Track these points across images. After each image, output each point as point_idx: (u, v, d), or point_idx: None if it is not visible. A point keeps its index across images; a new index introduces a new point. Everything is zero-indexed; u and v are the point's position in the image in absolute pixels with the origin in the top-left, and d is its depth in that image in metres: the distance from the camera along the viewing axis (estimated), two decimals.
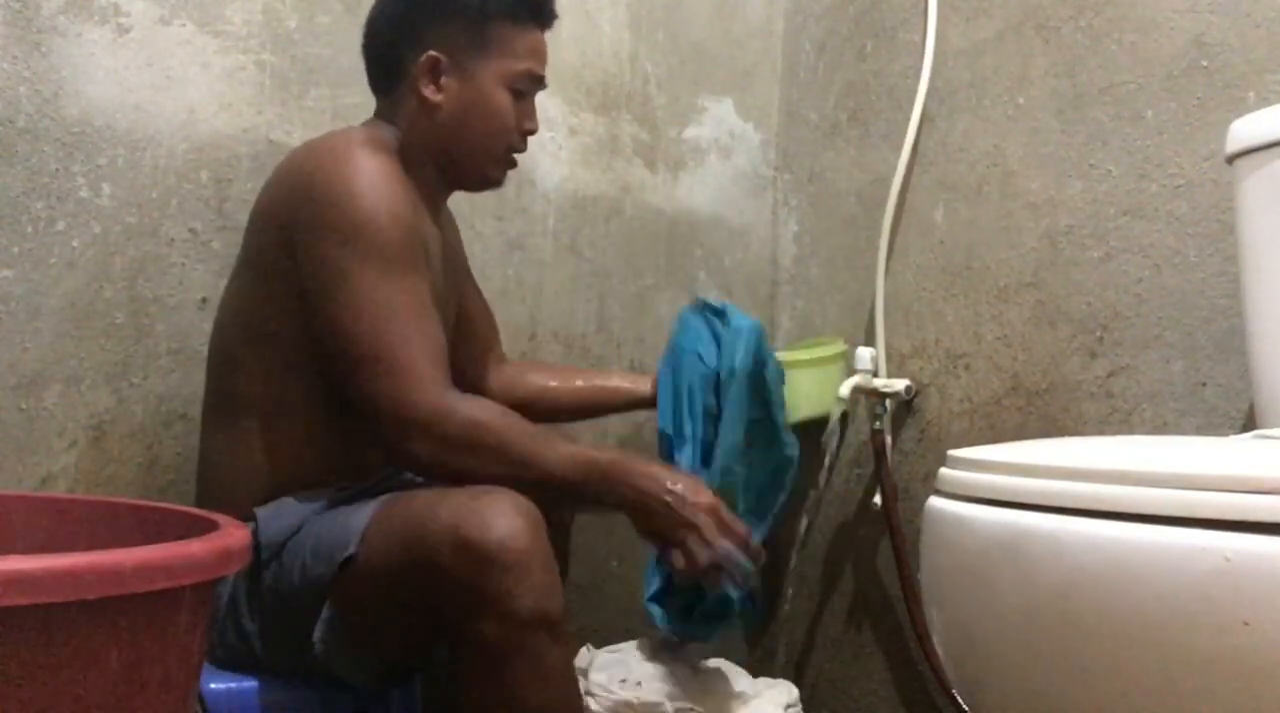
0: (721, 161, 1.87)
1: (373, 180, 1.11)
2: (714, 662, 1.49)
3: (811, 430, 1.63)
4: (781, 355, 1.72)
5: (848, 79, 1.79)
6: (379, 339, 1.07)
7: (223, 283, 1.38)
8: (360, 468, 1.18)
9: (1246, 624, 0.67)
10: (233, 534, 0.82)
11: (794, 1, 1.92)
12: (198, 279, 1.41)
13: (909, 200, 1.65)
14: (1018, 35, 1.50)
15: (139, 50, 1.37)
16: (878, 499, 1.58)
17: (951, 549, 0.87)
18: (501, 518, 0.95)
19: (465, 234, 1.44)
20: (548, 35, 1.29)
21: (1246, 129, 1.12)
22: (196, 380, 1.38)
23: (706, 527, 1.07)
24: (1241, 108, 1.23)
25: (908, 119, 1.63)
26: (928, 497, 0.91)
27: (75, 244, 1.33)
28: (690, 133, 1.84)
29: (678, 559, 1.08)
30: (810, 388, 1.63)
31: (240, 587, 1.12)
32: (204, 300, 1.40)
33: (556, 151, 1.70)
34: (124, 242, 1.36)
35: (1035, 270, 1.46)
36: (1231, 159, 1.13)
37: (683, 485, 1.09)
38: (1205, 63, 1.28)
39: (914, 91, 1.62)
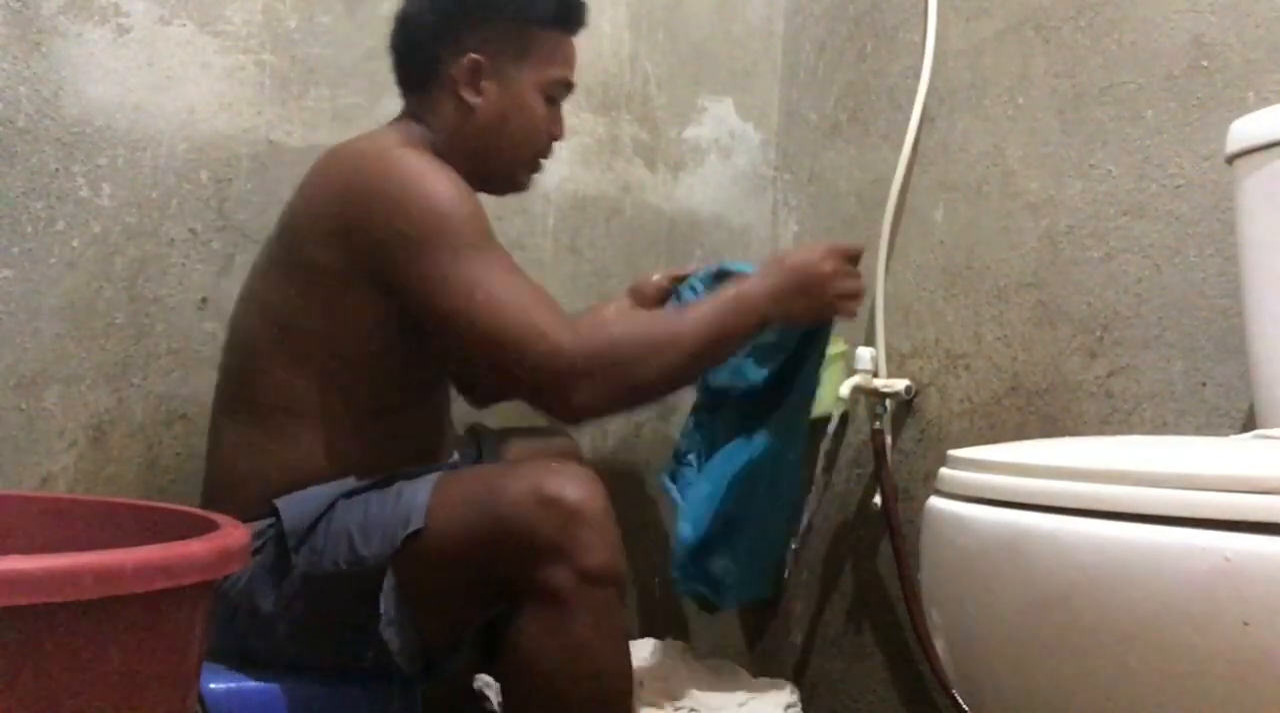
0: (721, 162, 1.87)
1: (432, 174, 1.13)
2: (714, 662, 1.49)
3: (811, 431, 1.63)
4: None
5: (848, 79, 1.79)
6: (502, 317, 1.09)
7: (223, 283, 1.39)
8: (376, 470, 1.17)
9: (1246, 624, 0.67)
10: (232, 534, 0.82)
11: (794, 1, 1.92)
12: (198, 279, 1.41)
13: (909, 200, 1.65)
14: (1018, 35, 1.50)
15: (139, 50, 1.37)
16: (878, 499, 1.58)
17: (951, 549, 0.87)
18: (579, 481, 1.04)
19: None
20: None
21: (1246, 129, 1.12)
22: (196, 380, 1.38)
23: (839, 281, 1.25)
24: (1241, 108, 1.23)
25: (908, 119, 1.63)
26: (928, 497, 0.91)
27: (75, 244, 1.33)
28: (690, 133, 1.84)
29: (846, 316, 1.29)
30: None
31: (261, 580, 1.12)
32: (204, 300, 1.41)
33: (556, 151, 1.69)
34: (124, 242, 1.36)
35: (1035, 270, 1.46)
36: (1231, 159, 1.13)
37: (792, 265, 1.23)
38: (1205, 63, 1.28)
39: (914, 91, 1.62)
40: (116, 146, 1.35)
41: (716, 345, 1.18)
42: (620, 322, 1.18)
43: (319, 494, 1.12)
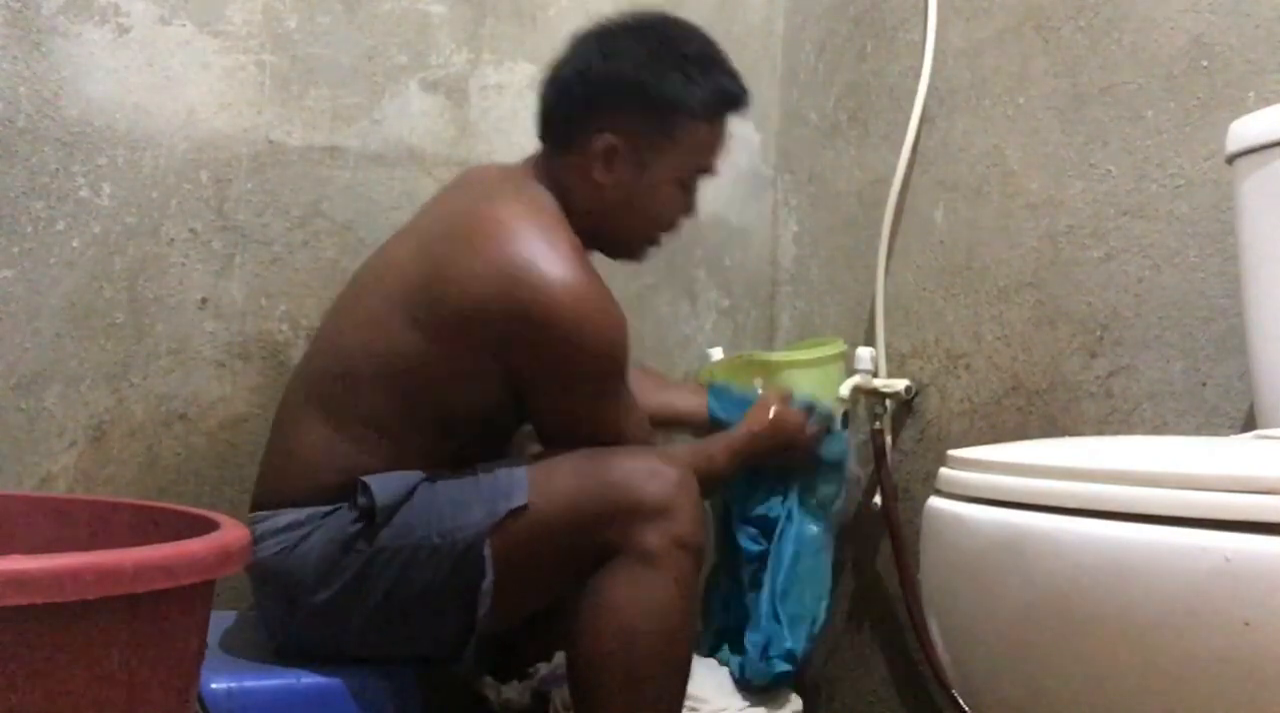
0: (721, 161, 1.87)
1: (598, 308, 1.14)
2: (712, 661, 1.48)
3: None
4: (781, 355, 1.72)
5: (848, 79, 1.79)
6: (606, 463, 1.16)
7: (223, 283, 1.39)
8: None
9: (1246, 624, 0.67)
10: (232, 534, 0.82)
11: (794, 2, 1.92)
12: (198, 279, 1.41)
13: (909, 200, 1.65)
14: (1018, 35, 1.50)
15: (139, 50, 1.37)
16: (878, 499, 1.58)
17: (951, 549, 0.87)
18: (679, 466, 1.16)
19: None
20: (548, 35, 1.30)
21: (1246, 129, 1.12)
22: (196, 380, 1.38)
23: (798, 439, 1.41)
24: (1241, 108, 1.23)
25: (908, 119, 1.63)
26: (928, 497, 0.91)
27: (75, 244, 1.33)
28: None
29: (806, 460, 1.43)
30: (810, 388, 1.62)
31: (334, 561, 1.13)
32: (204, 300, 1.41)
33: None
34: (124, 242, 1.36)
35: (1035, 270, 1.46)
36: (1231, 159, 1.13)
37: (762, 428, 1.38)
38: (1205, 63, 1.28)
39: (914, 91, 1.62)
40: (116, 146, 1.35)
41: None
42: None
43: (406, 476, 1.15)
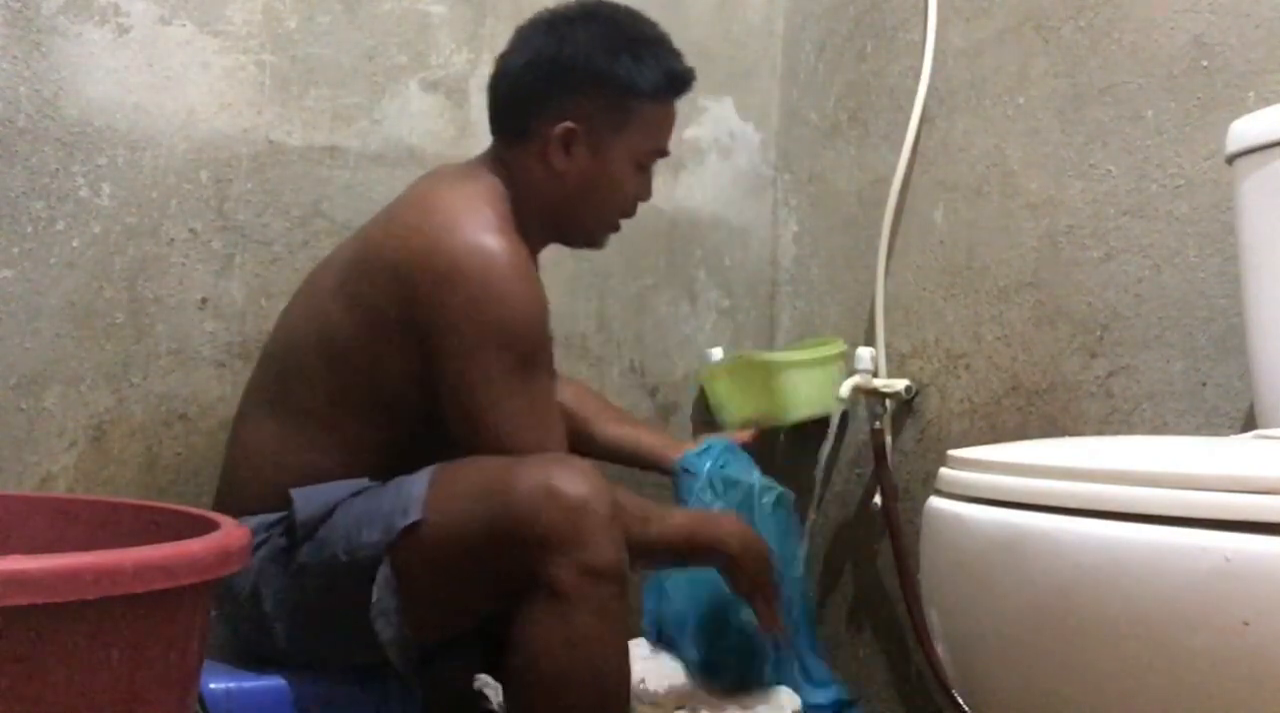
0: (721, 161, 1.87)
1: (515, 279, 1.12)
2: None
3: (811, 430, 1.63)
4: (781, 355, 1.72)
5: (848, 79, 1.79)
6: (510, 440, 1.12)
7: (223, 283, 1.39)
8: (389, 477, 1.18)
9: (1246, 624, 0.67)
10: (232, 534, 0.82)
11: (794, 1, 1.92)
12: (198, 279, 1.41)
13: (909, 200, 1.65)
14: (1018, 35, 1.50)
15: (139, 50, 1.37)
16: (878, 499, 1.58)
17: (951, 549, 0.87)
18: (585, 476, 1.05)
19: None
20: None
21: (1246, 129, 1.12)
22: (196, 380, 1.38)
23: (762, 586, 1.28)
24: (1241, 108, 1.23)
25: (908, 119, 1.63)
26: (928, 497, 0.91)
27: (75, 244, 1.33)
28: (690, 133, 1.83)
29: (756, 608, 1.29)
30: (810, 388, 1.63)
31: (267, 573, 1.13)
32: (204, 300, 1.41)
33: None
34: (124, 242, 1.36)
35: (1035, 270, 1.46)
36: (1231, 159, 1.13)
37: (744, 547, 1.25)
38: (1205, 63, 1.28)
39: (914, 91, 1.62)
40: (116, 146, 1.35)
41: (660, 558, 1.26)
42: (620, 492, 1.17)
43: (332, 489, 1.13)
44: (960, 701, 1.00)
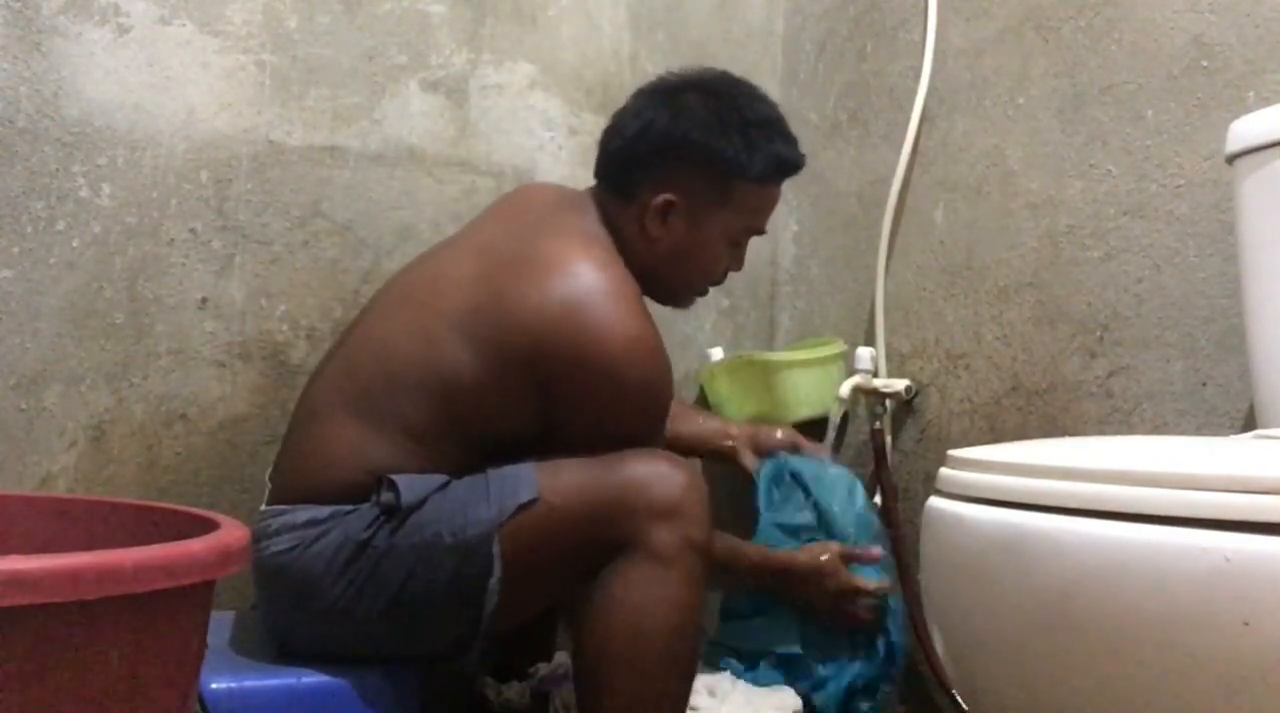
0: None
1: (650, 359, 1.17)
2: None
3: (811, 431, 1.63)
4: (781, 355, 1.72)
5: (848, 79, 1.79)
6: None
7: (223, 283, 1.39)
8: None
9: (1246, 624, 0.67)
10: (233, 534, 0.82)
11: (794, 2, 1.92)
12: (198, 279, 1.41)
13: (909, 200, 1.65)
14: (1018, 35, 1.50)
15: (139, 50, 1.37)
16: (878, 499, 1.58)
17: (951, 549, 0.87)
18: (691, 467, 1.17)
19: None
20: (549, 36, 1.30)
21: (1246, 129, 1.12)
22: (196, 380, 1.38)
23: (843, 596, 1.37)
24: (1241, 108, 1.23)
25: (908, 119, 1.63)
26: (928, 497, 0.91)
27: (75, 244, 1.33)
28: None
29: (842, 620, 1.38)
30: (810, 388, 1.63)
31: (339, 558, 1.13)
32: (204, 300, 1.41)
33: (556, 151, 1.70)
34: (124, 242, 1.36)
35: (1035, 270, 1.46)
36: (1231, 159, 1.13)
37: (815, 570, 1.36)
38: (1205, 63, 1.28)
39: (914, 91, 1.62)
40: (116, 146, 1.35)
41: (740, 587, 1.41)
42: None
43: (429, 479, 1.16)
44: (960, 701, 1.00)
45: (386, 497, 1.14)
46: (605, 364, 1.15)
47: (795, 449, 1.49)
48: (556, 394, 1.17)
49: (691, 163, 1.23)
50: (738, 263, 1.32)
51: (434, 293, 1.22)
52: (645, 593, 1.11)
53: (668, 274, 1.28)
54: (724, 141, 1.23)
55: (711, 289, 1.35)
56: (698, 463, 1.19)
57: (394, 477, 1.14)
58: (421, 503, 1.14)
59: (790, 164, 1.28)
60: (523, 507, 1.12)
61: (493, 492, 1.14)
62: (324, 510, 1.15)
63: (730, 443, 1.51)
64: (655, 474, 1.13)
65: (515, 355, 1.16)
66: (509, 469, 1.16)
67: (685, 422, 1.51)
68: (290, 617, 1.17)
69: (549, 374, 1.16)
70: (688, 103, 1.24)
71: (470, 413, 1.18)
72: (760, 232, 1.31)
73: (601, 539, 1.12)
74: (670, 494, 1.12)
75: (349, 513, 1.15)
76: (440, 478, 1.17)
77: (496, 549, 1.12)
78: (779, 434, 1.51)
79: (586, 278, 1.17)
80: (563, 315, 1.15)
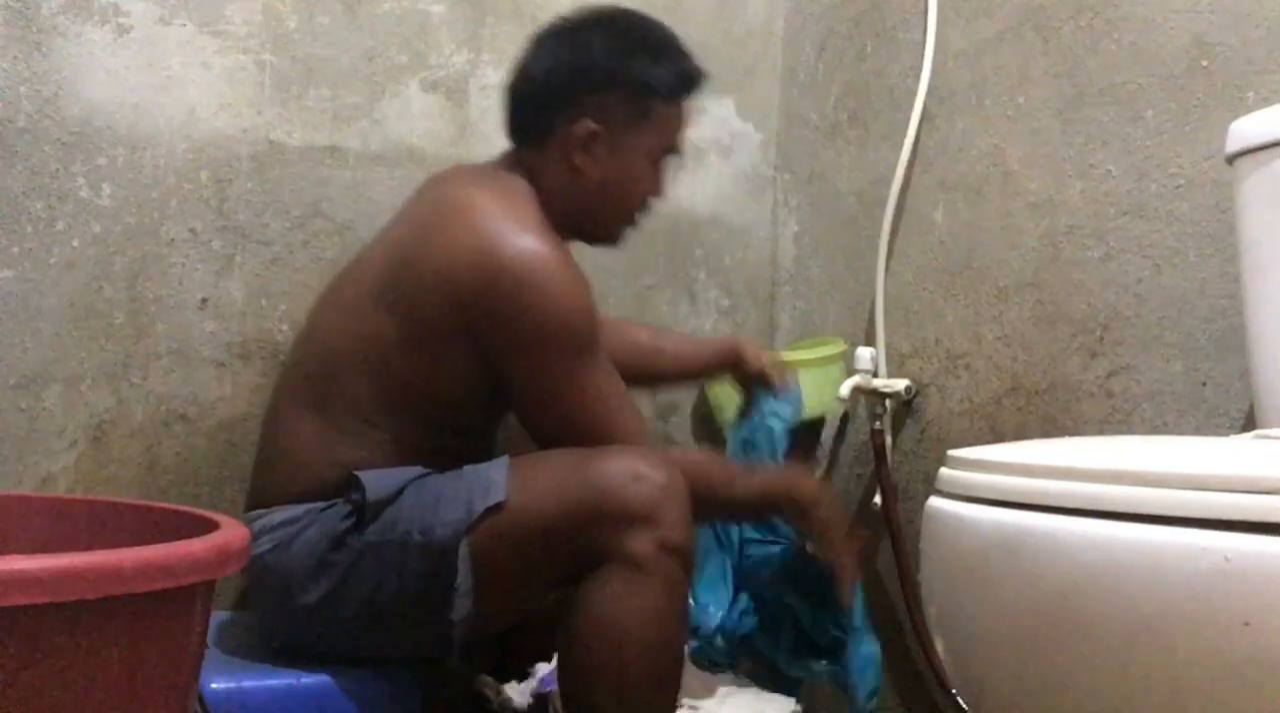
0: (721, 162, 1.87)
1: (563, 276, 1.17)
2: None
3: (811, 430, 1.63)
4: (781, 356, 1.72)
5: (848, 79, 1.79)
6: (607, 429, 1.18)
7: (223, 283, 1.39)
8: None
9: (1246, 624, 0.67)
10: (233, 534, 0.82)
11: (794, 2, 1.92)
12: (198, 279, 1.41)
13: (909, 200, 1.65)
14: (1018, 35, 1.50)
15: (139, 50, 1.37)
16: (878, 499, 1.58)
17: (951, 549, 0.87)
18: (667, 465, 1.14)
19: None
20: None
21: (1246, 129, 1.12)
22: (196, 380, 1.38)
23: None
24: (1241, 108, 1.23)
25: (908, 119, 1.63)
26: (928, 497, 0.91)
27: (75, 244, 1.33)
28: (690, 133, 1.83)
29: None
30: (810, 388, 1.62)
31: (314, 557, 1.14)
32: (204, 300, 1.41)
33: None
34: (124, 242, 1.36)
35: (1035, 270, 1.46)
36: (1231, 159, 1.13)
37: (817, 501, 1.30)
38: (1205, 63, 1.28)
39: (914, 91, 1.62)
40: (116, 146, 1.35)
41: (745, 516, 1.36)
42: (696, 463, 1.27)
43: (399, 473, 1.16)
44: (960, 701, 1.00)
45: (355, 496, 1.14)
46: (518, 287, 1.14)
47: (768, 383, 1.50)
48: (483, 340, 1.16)
49: (605, 90, 1.25)
50: (660, 187, 1.33)
51: (358, 274, 1.25)
52: (623, 606, 1.08)
53: (599, 205, 1.28)
54: (632, 63, 1.25)
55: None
56: (675, 470, 1.14)
57: (361, 474, 1.14)
58: (394, 497, 1.14)
59: (696, 76, 1.31)
60: (490, 510, 1.11)
61: (463, 492, 1.13)
62: (299, 509, 1.16)
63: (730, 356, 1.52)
64: (629, 477, 1.10)
65: (428, 306, 1.17)
66: (484, 467, 1.15)
67: (674, 340, 1.54)
68: (277, 617, 1.18)
69: (465, 316, 1.15)
70: (588, 36, 1.27)
71: (406, 381, 1.18)
72: (677, 152, 1.33)
73: (575, 547, 1.11)
74: (644, 499, 1.10)
75: (324, 510, 1.16)
76: (412, 471, 1.16)
77: (465, 552, 1.11)
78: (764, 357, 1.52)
79: (489, 214, 1.18)
80: (467, 250, 1.16)
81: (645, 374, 1.51)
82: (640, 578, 1.08)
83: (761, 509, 1.33)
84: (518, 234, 1.17)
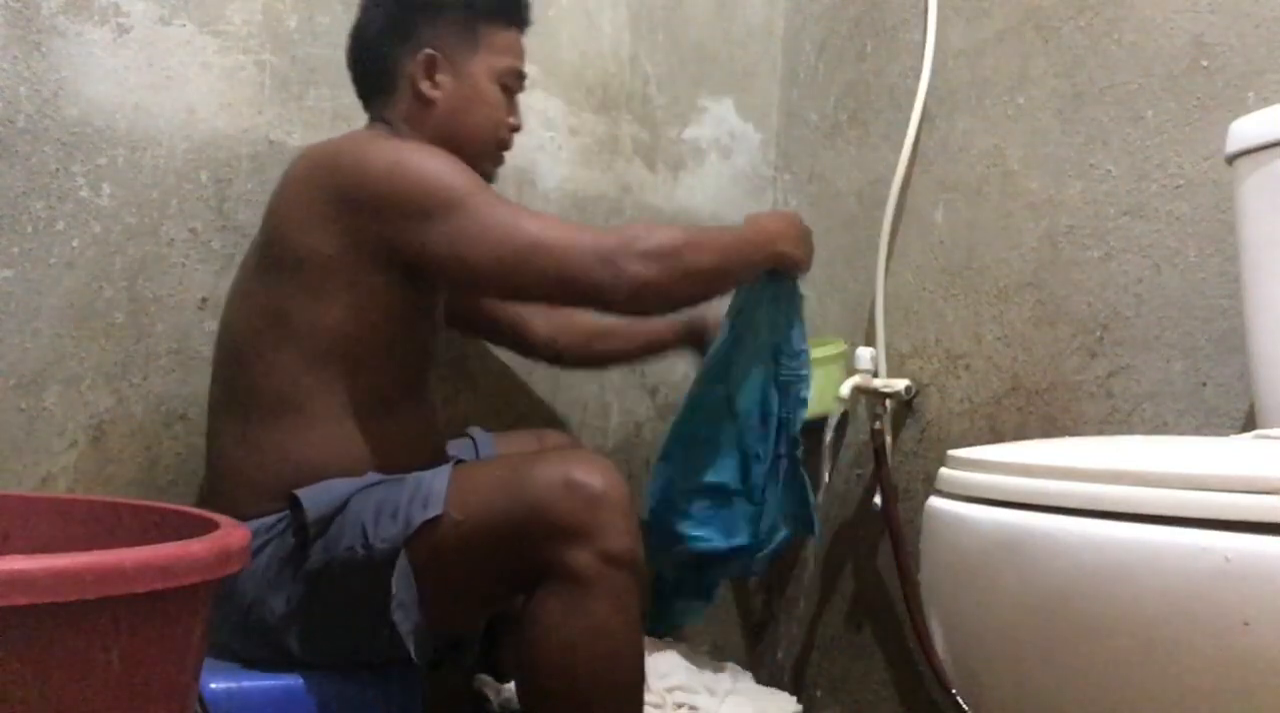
0: (721, 161, 1.87)
1: (419, 150, 1.19)
2: (715, 663, 1.48)
3: (812, 431, 1.63)
4: None
5: (848, 79, 1.79)
6: (521, 236, 1.15)
7: (223, 283, 1.39)
8: (383, 464, 1.18)
9: (1246, 624, 0.67)
10: (233, 534, 0.82)
11: (794, 2, 1.92)
12: (198, 279, 1.41)
13: (909, 200, 1.65)
14: (1018, 35, 1.50)
15: (139, 50, 1.37)
16: (878, 499, 1.58)
17: (951, 549, 0.87)
18: (602, 468, 1.09)
19: None
20: (549, 36, 1.31)
21: (1246, 129, 1.12)
22: (196, 380, 1.38)
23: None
24: (1241, 108, 1.23)
25: (908, 119, 1.63)
26: (928, 497, 0.91)
27: (75, 244, 1.33)
28: (690, 133, 1.84)
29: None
30: (811, 388, 1.62)
31: (271, 579, 1.13)
32: (204, 300, 1.41)
33: (556, 152, 1.70)
34: (124, 242, 1.36)
35: (1035, 270, 1.46)
36: (1231, 159, 1.13)
37: (791, 218, 1.37)
38: (1205, 63, 1.28)
39: (914, 91, 1.63)
40: (116, 146, 1.35)
41: (737, 265, 1.29)
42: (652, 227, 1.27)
43: (339, 486, 1.14)
44: (960, 701, 1.00)
45: (296, 516, 1.12)
46: (383, 172, 1.15)
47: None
48: (373, 241, 1.15)
49: (433, 22, 1.29)
50: (516, 116, 1.35)
51: (243, 263, 1.28)
52: (570, 625, 1.04)
53: (459, 130, 1.30)
54: None
55: None
56: (614, 473, 1.10)
57: (300, 492, 1.12)
58: (337, 511, 1.12)
59: (519, 1, 1.34)
60: (429, 523, 1.08)
61: (404, 504, 1.10)
62: (251, 526, 1.10)
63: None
64: (561, 488, 1.06)
65: (314, 238, 1.17)
66: (428, 476, 1.13)
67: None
68: (236, 632, 1.15)
69: (350, 235, 1.15)
70: None
71: (313, 330, 1.17)
72: (521, 74, 1.34)
73: (520, 559, 1.08)
74: (579, 511, 1.05)
75: (272, 527, 1.14)
76: (349, 484, 1.14)
77: (404, 565, 1.08)
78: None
79: (343, 142, 1.23)
80: (320, 166, 1.19)
81: (617, 349, 1.56)
82: (583, 594, 1.04)
83: (747, 263, 1.31)
84: (368, 137, 1.23)
